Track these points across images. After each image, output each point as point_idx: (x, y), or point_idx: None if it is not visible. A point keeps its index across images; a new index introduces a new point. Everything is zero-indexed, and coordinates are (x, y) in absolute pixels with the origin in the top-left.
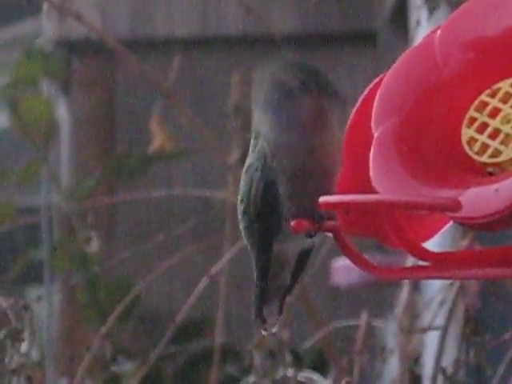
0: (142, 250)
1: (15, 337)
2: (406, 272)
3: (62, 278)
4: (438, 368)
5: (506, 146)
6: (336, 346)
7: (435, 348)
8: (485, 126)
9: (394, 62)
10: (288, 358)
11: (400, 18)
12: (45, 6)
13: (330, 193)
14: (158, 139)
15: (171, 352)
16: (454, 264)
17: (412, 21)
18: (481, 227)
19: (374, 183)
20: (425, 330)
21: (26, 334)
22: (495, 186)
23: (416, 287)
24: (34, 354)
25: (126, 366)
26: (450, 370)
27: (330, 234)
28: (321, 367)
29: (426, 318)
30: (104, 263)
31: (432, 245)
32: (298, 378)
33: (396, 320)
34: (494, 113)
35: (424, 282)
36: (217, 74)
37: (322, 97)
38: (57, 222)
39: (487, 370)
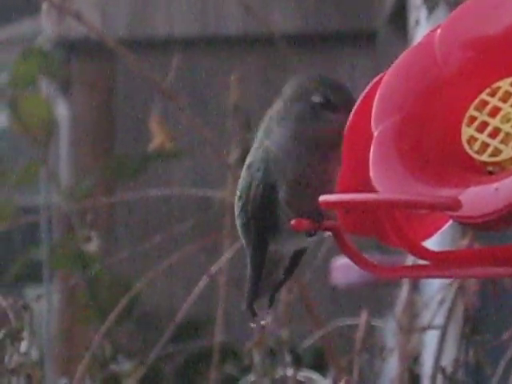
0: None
1: (15, 336)
2: (406, 271)
3: (62, 277)
4: (438, 367)
5: (506, 144)
6: (335, 346)
7: (434, 347)
8: (485, 124)
9: (393, 62)
10: (287, 357)
11: (399, 17)
12: (44, 6)
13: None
14: (158, 139)
15: (170, 351)
16: (455, 263)
17: (411, 20)
18: (481, 226)
19: (374, 182)
20: (424, 330)
21: (25, 334)
22: (495, 185)
23: (415, 287)
24: (34, 354)
25: (125, 366)
26: (449, 370)
27: (329, 233)
28: (320, 366)
29: (425, 318)
30: (103, 263)
31: (431, 244)
32: (298, 378)
33: (395, 319)
34: (494, 112)
35: (423, 281)
36: (216, 73)
37: (344, 114)
38: (56, 221)
39: (486, 370)
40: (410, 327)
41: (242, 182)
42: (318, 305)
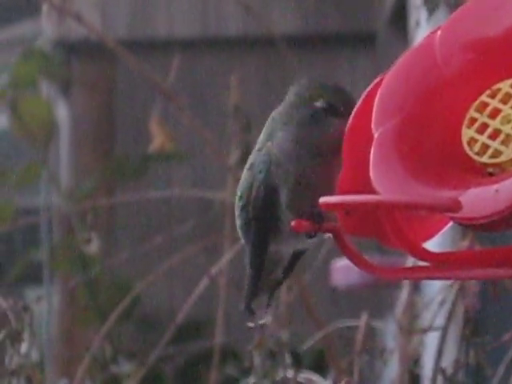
0: (141, 251)
1: (15, 338)
2: (406, 272)
3: (62, 278)
4: (438, 369)
5: (506, 146)
6: (336, 347)
7: (435, 349)
8: (485, 126)
9: (393, 63)
10: (288, 358)
11: (399, 18)
12: (44, 7)
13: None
14: (158, 140)
15: (171, 352)
16: (455, 264)
17: (411, 22)
18: (481, 228)
19: (374, 184)
20: (425, 331)
21: (25, 335)
22: (495, 186)
23: (416, 288)
24: (34, 355)
25: (125, 367)
26: (449, 371)
27: (329, 235)
28: (320, 368)
29: (425, 319)
30: (104, 264)
31: (432, 245)
32: (298, 379)
33: (396, 320)
34: (494, 113)
35: (424, 282)
36: (217, 74)
37: (347, 119)
38: (56, 222)
39: (487, 371)
40: (411, 328)
41: (243, 183)
42: (318, 306)
